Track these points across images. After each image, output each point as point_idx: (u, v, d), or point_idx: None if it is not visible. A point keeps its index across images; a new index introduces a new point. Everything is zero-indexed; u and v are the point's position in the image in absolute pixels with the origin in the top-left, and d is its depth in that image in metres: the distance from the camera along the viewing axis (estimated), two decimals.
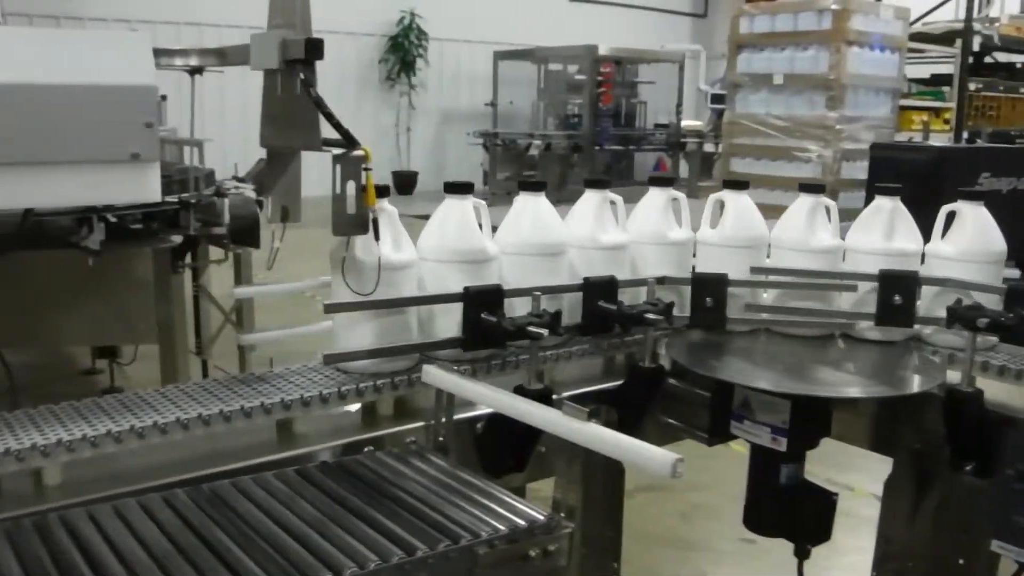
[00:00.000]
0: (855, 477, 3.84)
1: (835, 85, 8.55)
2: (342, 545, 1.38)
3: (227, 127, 11.94)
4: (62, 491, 1.65)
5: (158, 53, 1.67)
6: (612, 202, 2.33)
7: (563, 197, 2.31)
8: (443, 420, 1.84)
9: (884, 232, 2.35)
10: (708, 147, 14.02)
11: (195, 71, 3.06)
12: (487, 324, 1.96)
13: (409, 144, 15.12)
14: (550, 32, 14.54)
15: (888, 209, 2.37)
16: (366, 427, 1.98)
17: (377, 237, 1.89)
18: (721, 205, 2.43)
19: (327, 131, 1.92)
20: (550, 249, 2.21)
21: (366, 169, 1.84)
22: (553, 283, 2.13)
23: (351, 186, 1.84)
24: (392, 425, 1.97)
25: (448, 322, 2.04)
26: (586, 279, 2.20)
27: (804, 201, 2.42)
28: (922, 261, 2.36)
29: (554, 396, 1.97)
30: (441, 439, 1.83)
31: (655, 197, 2.43)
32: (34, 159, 1.54)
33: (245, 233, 3.57)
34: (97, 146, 1.60)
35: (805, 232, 2.38)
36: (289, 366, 2.01)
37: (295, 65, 1.96)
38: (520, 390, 1.90)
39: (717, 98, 13.19)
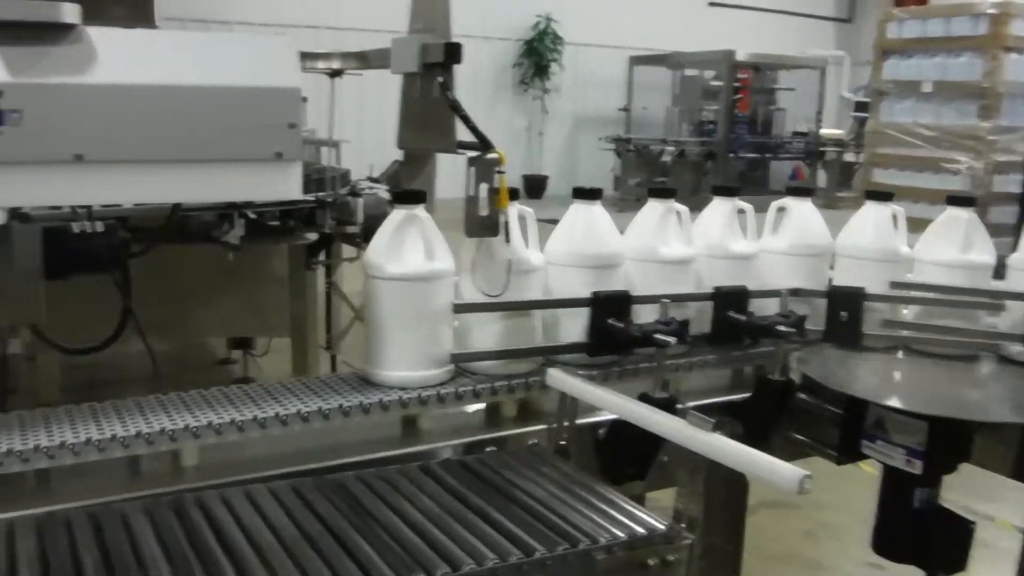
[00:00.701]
0: (996, 507, 3.64)
1: (990, 94, 8.13)
2: (461, 541, 1.40)
3: (364, 129, 12.32)
4: (198, 473, 1.73)
5: (302, 56, 1.73)
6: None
7: (695, 204, 2.26)
8: (565, 424, 1.84)
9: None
10: (848, 156, 13.53)
11: (336, 74, 3.16)
12: (614, 329, 1.96)
13: (541, 148, 15.17)
14: (687, 37, 14.33)
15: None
16: (489, 427, 2.00)
17: (508, 239, 1.91)
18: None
19: (462, 134, 1.96)
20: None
21: (499, 172, 1.86)
22: (675, 291, 2.10)
23: (484, 188, 1.86)
24: (514, 427, 1.99)
25: (571, 326, 2.04)
26: (717, 288, 2.16)
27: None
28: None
29: (678, 405, 1.94)
30: (563, 443, 1.83)
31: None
32: (183, 157, 1.62)
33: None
34: (243, 145, 1.66)
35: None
36: None
37: (434, 69, 2.00)
38: (644, 397, 1.88)
39: (860, 106, 12.72)
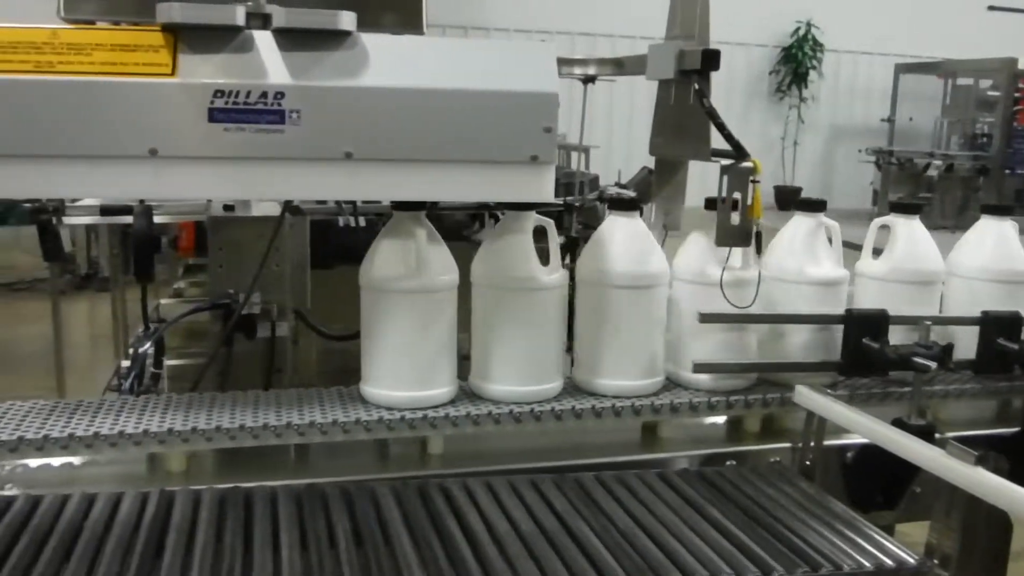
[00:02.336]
0: None
1: None
2: (696, 552, 1.38)
3: (613, 135, 12.40)
4: (442, 461, 1.81)
5: (559, 62, 1.75)
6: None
7: (962, 223, 2.10)
8: (811, 444, 1.76)
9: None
10: None
11: (589, 80, 3.19)
12: (868, 350, 1.85)
13: (795, 159, 14.64)
14: (960, 44, 13.33)
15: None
16: (730, 441, 1.96)
17: (759, 250, 1.86)
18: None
19: (715, 142, 1.92)
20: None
21: (754, 181, 1.82)
22: (933, 312, 1.96)
23: (737, 198, 1.82)
24: (756, 442, 1.94)
25: (794, 344, 1.97)
26: (985, 313, 2.00)
27: None
28: None
29: (936, 435, 1.81)
30: (808, 463, 1.76)
31: None
32: (443, 157, 1.69)
33: None
34: (500, 147, 1.71)
35: None
36: None
37: (690, 75, 1.97)
38: (899, 423, 1.77)
39: None
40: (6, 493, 1.52)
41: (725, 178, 1.84)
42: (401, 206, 1.83)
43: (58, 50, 1.56)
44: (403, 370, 1.81)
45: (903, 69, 13.59)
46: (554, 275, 1.86)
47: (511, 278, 1.84)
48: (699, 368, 1.92)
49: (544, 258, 1.86)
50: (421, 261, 1.78)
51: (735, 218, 1.83)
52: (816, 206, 2.03)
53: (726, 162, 1.86)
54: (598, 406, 1.85)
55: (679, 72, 2.00)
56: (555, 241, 1.88)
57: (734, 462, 1.77)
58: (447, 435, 1.80)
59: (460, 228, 3.16)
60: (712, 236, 1.87)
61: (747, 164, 1.83)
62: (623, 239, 1.89)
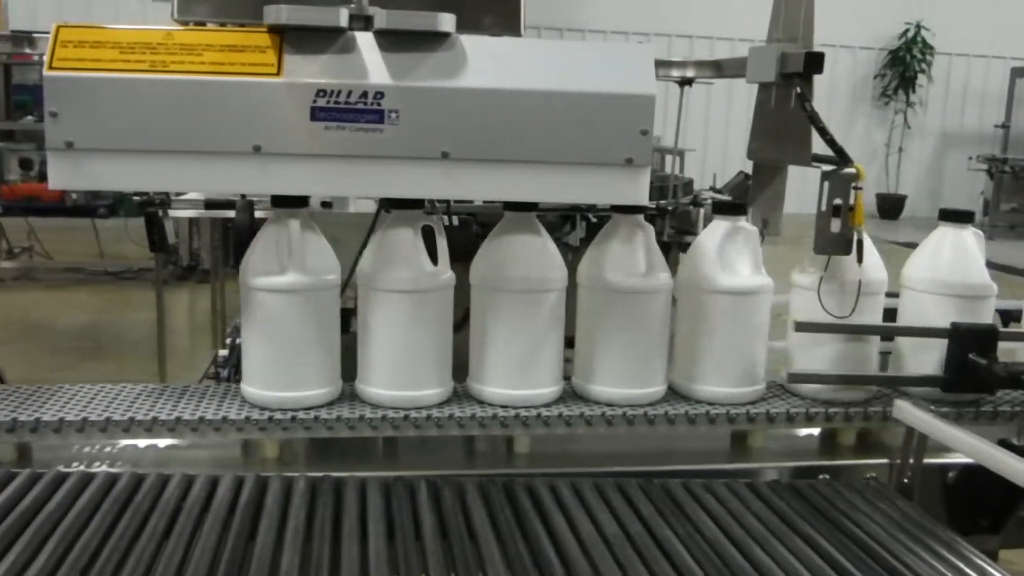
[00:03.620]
0: None
1: None
2: (785, 565, 1.35)
3: (709, 139, 12.23)
4: (528, 460, 1.82)
5: (656, 64, 1.74)
6: None
7: None
8: (911, 461, 1.70)
9: None
10: None
11: (686, 82, 3.15)
12: (975, 366, 1.79)
13: (899, 166, 14.20)
14: None
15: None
16: (823, 454, 1.92)
17: (860, 259, 1.81)
18: None
19: (816, 147, 1.88)
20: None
21: (856, 188, 1.77)
22: None
23: (838, 204, 1.78)
24: (852, 457, 1.89)
25: (918, 358, 1.90)
26: None
27: None
28: None
29: None
30: (906, 481, 1.70)
31: None
32: (538, 158, 1.69)
33: None
34: (596, 149, 1.70)
35: None
36: None
37: (792, 79, 1.94)
38: (1006, 444, 1.70)
39: None
40: (113, 470, 1.58)
41: (826, 184, 1.80)
42: (511, 206, 1.85)
43: (171, 50, 1.63)
44: (506, 366, 1.83)
45: (1020, 73, 13.05)
46: (660, 279, 1.85)
47: (618, 281, 1.83)
48: (794, 378, 1.88)
49: (645, 261, 1.85)
50: (530, 262, 1.80)
51: (835, 225, 1.79)
52: (963, 217, 1.96)
53: (827, 168, 1.82)
54: (710, 412, 1.83)
55: (780, 75, 1.96)
56: (655, 244, 1.87)
57: (827, 476, 1.72)
58: (538, 435, 1.81)
59: (551, 230, 3.16)
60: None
61: (850, 170, 1.78)
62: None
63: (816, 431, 1.97)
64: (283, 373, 1.77)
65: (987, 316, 1.92)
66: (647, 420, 1.81)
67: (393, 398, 1.79)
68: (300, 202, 1.78)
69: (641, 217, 1.86)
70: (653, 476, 1.65)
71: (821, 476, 1.72)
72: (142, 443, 1.78)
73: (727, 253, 1.86)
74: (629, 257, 1.83)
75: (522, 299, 1.81)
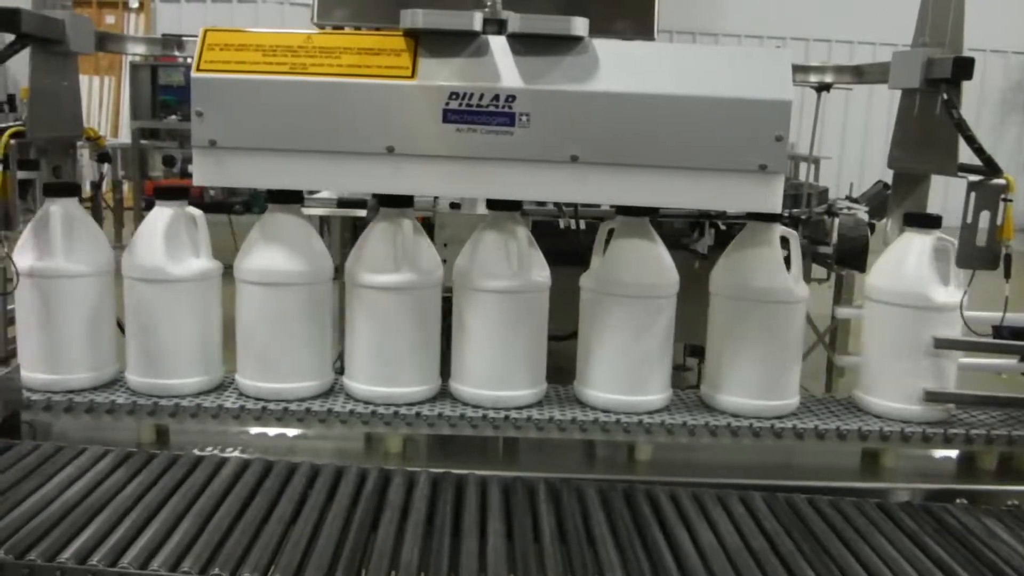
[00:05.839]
0: None
1: None
2: None
3: (846, 146, 11.83)
4: (649, 468, 1.80)
5: (793, 69, 1.69)
6: None
7: None
8: None
9: None
10: None
11: (823, 88, 3.05)
12: None
13: None
14: None
15: None
16: (961, 477, 1.84)
17: (1008, 275, 1.72)
18: None
19: (963, 156, 1.80)
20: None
21: (1005, 200, 1.69)
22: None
23: (984, 217, 1.70)
24: (992, 482, 1.80)
25: None
26: None
27: None
28: None
29: None
30: None
31: None
32: (669, 163, 1.67)
33: (852, 255, 3.49)
34: (728, 155, 1.67)
35: None
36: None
37: (937, 85, 1.86)
38: None
39: None
40: (244, 456, 1.64)
41: (973, 195, 1.72)
42: (626, 210, 1.83)
43: (311, 53, 1.68)
44: (616, 373, 1.81)
45: None
46: (802, 289, 1.81)
47: (756, 290, 1.80)
48: (931, 397, 1.80)
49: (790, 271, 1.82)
50: (644, 268, 1.78)
51: (982, 238, 1.71)
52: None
53: (975, 178, 1.74)
54: (865, 429, 1.79)
55: (926, 81, 1.88)
56: (799, 253, 1.83)
57: (965, 501, 1.64)
58: (654, 443, 1.79)
59: (679, 236, 3.11)
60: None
61: (999, 181, 1.70)
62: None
63: (954, 453, 1.88)
64: (385, 367, 1.80)
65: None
66: (773, 433, 1.77)
67: (486, 398, 1.81)
68: (407, 202, 1.81)
69: (776, 224, 1.82)
70: (777, 490, 1.61)
71: (958, 500, 1.64)
72: (272, 431, 1.84)
73: (906, 266, 1.81)
74: (763, 266, 1.79)
75: (632, 305, 1.80)
